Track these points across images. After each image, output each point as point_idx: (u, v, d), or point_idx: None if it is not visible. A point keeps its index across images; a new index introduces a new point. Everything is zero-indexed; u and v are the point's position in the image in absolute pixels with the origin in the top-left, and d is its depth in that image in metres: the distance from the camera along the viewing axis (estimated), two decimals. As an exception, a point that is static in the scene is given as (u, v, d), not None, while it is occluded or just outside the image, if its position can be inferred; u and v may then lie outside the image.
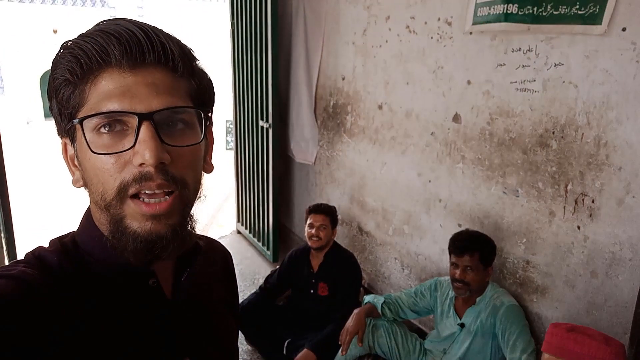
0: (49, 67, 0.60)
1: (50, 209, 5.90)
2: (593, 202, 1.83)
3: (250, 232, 4.24)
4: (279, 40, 3.40)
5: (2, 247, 2.61)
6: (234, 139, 4.35)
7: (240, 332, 2.12)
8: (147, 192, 0.57)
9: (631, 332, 1.54)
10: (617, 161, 1.74)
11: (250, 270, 3.76)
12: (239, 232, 4.50)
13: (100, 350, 0.58)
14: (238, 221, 4.49)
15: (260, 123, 3.67)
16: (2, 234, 2.60)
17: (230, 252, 0.93)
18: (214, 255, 0.85)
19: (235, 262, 0.93)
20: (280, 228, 3.90)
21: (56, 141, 0.66)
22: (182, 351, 0.68)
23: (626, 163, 1.71)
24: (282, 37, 3.55)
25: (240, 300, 2.40)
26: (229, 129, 8.57)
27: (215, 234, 4.56)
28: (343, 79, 3.14)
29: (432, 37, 2.42)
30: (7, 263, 2.61)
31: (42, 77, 13.09)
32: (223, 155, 6.97)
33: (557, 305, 2.03)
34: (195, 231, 0.66)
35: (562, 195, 1.94)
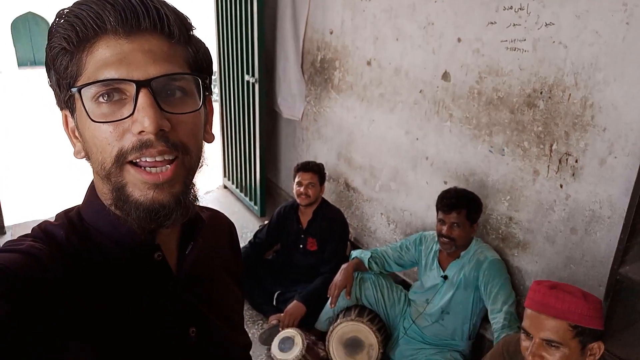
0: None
1: (22, 158, 5.77)
2: (576, 161, 1.89)
3: (237, 187, 4.26)
4: (264, -9, 3.30)
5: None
6: (218, 92, 4.28)
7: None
8: (148, 159, 0.58)
9: (607, 285, 1.63)
10: (601, 122, 1.78)
11: (238, 225, 3.74)
12: (225, 187, 4.51)
13: (107, 322, 0.60)
14: (224, 176, 4.50)
15: (246, 77, 3.61)
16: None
17: (218, 207, 0.93)
18: (218, 226, 0.87)
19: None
20: (267, 183, 3.92)
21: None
22: (188, 322, 0.70)
23: (610, 124, 1.75)
24: (268, -12, 3.43)
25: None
26: (214, 83, 8.40)
27: (201, 188, 4.57)
28: (331, 32, 3.08)
29: (423, -8, 2.38)
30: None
31: (13, 24, 12.47)
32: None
33: (537, 260, 2.12)
34: (197, 201, 0.68)
35: (546, 155, 1.98)
